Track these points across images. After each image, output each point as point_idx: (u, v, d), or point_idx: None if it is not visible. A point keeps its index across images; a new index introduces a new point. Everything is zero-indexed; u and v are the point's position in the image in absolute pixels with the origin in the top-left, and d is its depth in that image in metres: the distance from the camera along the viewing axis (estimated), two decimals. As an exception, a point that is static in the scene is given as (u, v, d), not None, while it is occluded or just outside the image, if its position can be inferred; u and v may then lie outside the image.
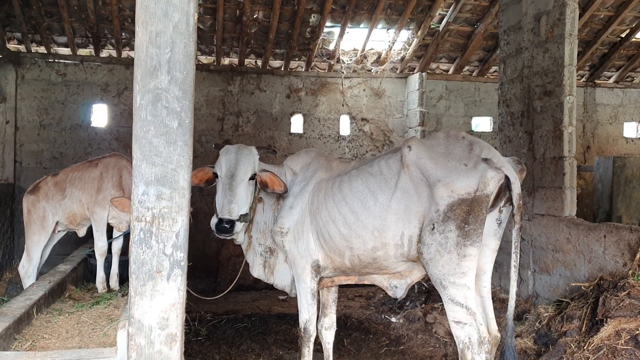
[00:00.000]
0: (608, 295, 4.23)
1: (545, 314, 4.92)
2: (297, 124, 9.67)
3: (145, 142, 2.69)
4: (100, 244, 5.59)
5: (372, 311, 7.43)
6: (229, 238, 4.41)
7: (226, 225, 4.21)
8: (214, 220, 4.31)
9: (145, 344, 2.65)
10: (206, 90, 9.22)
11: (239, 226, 4.34)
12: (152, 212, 2.68)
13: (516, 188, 3.64)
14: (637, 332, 3.90)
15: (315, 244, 4.41)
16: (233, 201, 4.26)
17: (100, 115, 9.09)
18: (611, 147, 10.34)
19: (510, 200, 3.73)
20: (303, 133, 9.59)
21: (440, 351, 5.85)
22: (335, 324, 4.82)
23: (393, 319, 6.86)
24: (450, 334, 6.13)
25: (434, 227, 3.66)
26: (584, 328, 4.34)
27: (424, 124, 9.20)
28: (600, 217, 7.63)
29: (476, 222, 3.58)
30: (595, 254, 5.18)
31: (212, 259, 8.96)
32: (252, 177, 4.44)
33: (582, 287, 4.71)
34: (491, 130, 10.04)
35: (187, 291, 4.78)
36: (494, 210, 3.80)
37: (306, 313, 4.55)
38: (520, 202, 3.67)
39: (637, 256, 4.56)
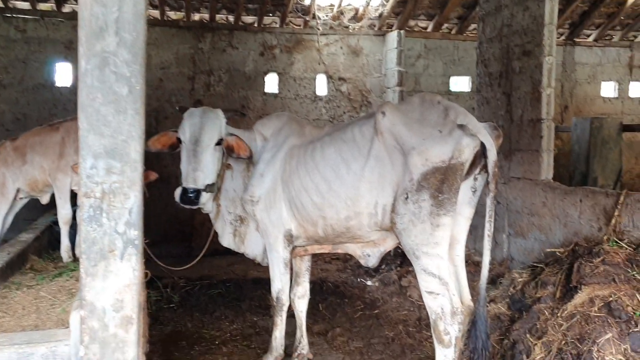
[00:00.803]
0: (583, 262, 4.17)
1: (520, 279, 4.87)
2: (271, 83, 9.39)
3: (92, 111, 2.48)
4: (63, 211, 5.38)
5: (348, 274, 7.37)
6: (194, 208, 4.22)
7: (191, 195, 4.02)
8: (178, 190, 4.12)
9: (98, 327, 2.50)
10: (175, 47, 8.86)
11: (205, 196, 4.15)
12: (101, 187, 2.49)
13: (492, 155, 3.50)
14: (611, 299, 3.85)
15: (287, 213, 4.26)
16: (198, 169, 4.07)
17: (64, 75, 8.71)
18: (589, 107, 10.26)
19: (485, 167, 3.60)
20: (278, 93, 9.32)
21: (415, 315, 5.81)
22: (308, 292, 4.72)
23: (369, 282, 6.81)
24: (425, 298, 6.10)
25: (407, 197, 3.53)
26: (558, 294, 4.29)
27: (402, 83, 8.99)
28: (577, 179, 7.60)
29: (450, 191, 3.46)
30: (571, 218, 5.12)
31: (186, 224, 8.77)
32: (219, 143, 4.23)
33: (557, 253, 4.65)
34: (469, 90, 9.87)
35: (155, 262, 4.65)
36: (468, 178, 3.67)
37: (279, 282, 4.44)
38: (496, 169, 3.54)
39: (612, 221, 4.50)
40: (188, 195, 4.03)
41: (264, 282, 6.90)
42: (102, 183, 2.48)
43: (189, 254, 8.68)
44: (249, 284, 7.01)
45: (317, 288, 6.58)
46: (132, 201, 2.51)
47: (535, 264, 4.98)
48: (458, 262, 3.80)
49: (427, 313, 5.85)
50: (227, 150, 4.29)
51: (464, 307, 3.62)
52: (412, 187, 3.51)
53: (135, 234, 2.52)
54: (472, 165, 3.57)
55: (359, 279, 6.97)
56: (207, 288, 6.82)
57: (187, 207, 4.13)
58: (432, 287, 3.53)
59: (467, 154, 3.45)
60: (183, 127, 4.19)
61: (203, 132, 4.14)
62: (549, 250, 4.79)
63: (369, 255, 4.16)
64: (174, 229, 8.61)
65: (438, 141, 3.48)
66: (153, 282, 6.47)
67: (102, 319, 2.50)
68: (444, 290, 3.50)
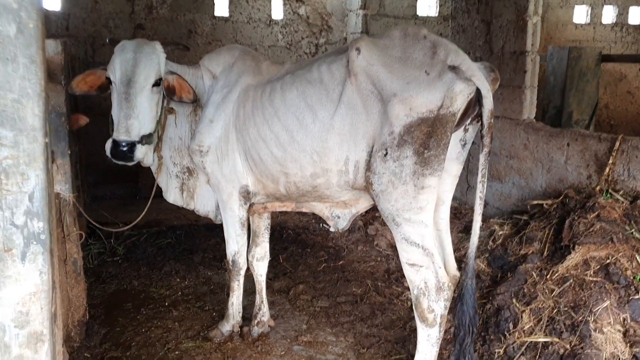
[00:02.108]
0: (575, 218, 3.75)
1: (500, 232, 4.46)
2: (221, 5, 8.42)
3: (-34, 60, 1.76)
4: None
5: (308, 218, 6.86)
6: (130, 164, 3.54)
7: (124, 149, 3.33)
8: (108, 143, 3.42)
9: (-4, 350, 1.90)
10: (111, -37, 7.75)
11: (142, 149, 3.46)
12: (-13, 165, 1.81)
13: (488, 104, 2.94)
14: (608, 261, 3.47)
15: (243, 165, 3.64)
16: (132, 116, 3.35)
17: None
18: (560, 33, 9.72)
19: (478, 116, 3.05)
20: (229, 16, 8.39)
21: (383, 266, 5.41)
22: (268, 253, 4.19)
23: (331, 229, 6.30)
24: (392, 247, 5.68)
25: (386, 153, 2.96)
26: (545, 252, 3.89)
27: (366, 6, 8.17)
28: (550, 113, 7.16)
29: (438, 147, 2.90)
30: (555, 163, 4.68)
31: (131, 161, 8.01)
32: (157, 83, 3.50)
33: (545, 205, 4.22)
34: (437, 14, 9.15)
35: (91, 224, 4.00)
36: (458, 130, 3.12)
37: (234, 244, 3.89)
38: (492, 120, 2.99)
39: (607, 170, 4.07)
40: (120, 150, 3.34)
41: (218, 229, 6.31)
42: (-12, 160, 1.80)
43: (135, 195, 8.05)
44: (201, 230, 6.44)
45: (277, 235, 6.08)
46: (32, 183, 1.85)
47: (516, 216, 4.55)
48: (442, 226, 3.31)
49: (396, 264, 5.50)
50: (168, 92, 3.58)
51: (449, 278, 3.16)
52: (393, 142, 2.93)
53: (40, 226, 1.88)
54: (464, 114, 3.00)
55: (321, 225, 6.48)
56: (155, 237, 6.21)
57: (121, 163, 3.45)
58: (415, 259, 3.03)
59: (460, 102, 2.88)
60: (113, 65, 3.45)
61: (137, 70, 3.40)
62: (535, 202, 4.35)
63: (339, 217, 3.63)
64: (117, 168, 7.82)
65: (425, 86, 2.88)
66: (94, 232, 5.84)
67: (1, 338, 1.89)
68: (428, 262, 3.02)
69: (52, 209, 1.94)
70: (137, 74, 3.39)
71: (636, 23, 10.15)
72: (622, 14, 10.00)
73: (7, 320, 1.89)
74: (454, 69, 2.87)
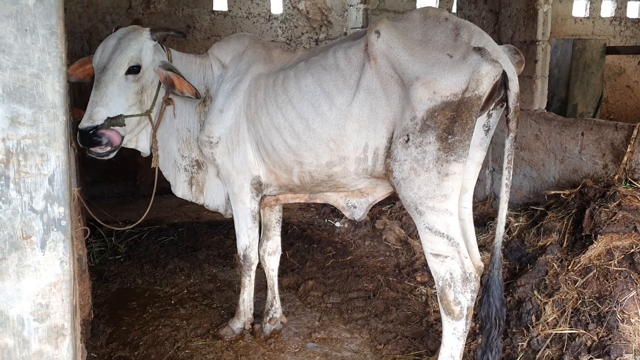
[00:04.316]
0: (596, 207, 3.66)
1: (516, 224, 4.36)
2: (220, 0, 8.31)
3: (-19, 31, 1.63)
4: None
5: (312, 214, 6.77)
6: (104, 154, 3.26)
7: (89, 133, 3.12)
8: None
9: (14, 345, 1.76)
10: (107, -43, 7.61)
11: (110, 133, 3.22)
12: (4, 145, 1.68)
13: (514, 87, 2.84)
14: (633, 250, 3.38)
15: (255, 156, 3.53)
16: (98, 103, 3.17)
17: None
18: (560, 27, 9.67)
19: (503, 101, 2.95)
20: (228, 11, 8.26)
21: (392, 261, 5.30)
22: (280, 247, 4.08)
23: (337, 224, 6.22)
24: (401, 241, 5.58)
25: (408, 139, 2.85)
26: (565, 243, 3.80)
27: (367, 1, 8.07)
28: (555, 106, 7.09)
29: (463, 132, 2.79)
30: (569, 154, 4.60)
31: (129, 160, 7.83)
32: (133, 71, 3.29)
33: (562, 195, 4.13)
34: (437, 6, 9.06)
35: (96, 210, 3.85)
36: (482, 115, 3.02)
37: (246, 238, 3.76)
38: (518, 104, 2.89)
39: (625, 159, 3.98)
40: (85, 135, 3.12)
41: (222, 226, 6.23)
42: (6, 139, 1.68)
43: (134, 194, 7.91)
44: (203, 228, 6.31)
45: (282, 232, 5.95)
46: (52, 164, 1.73)
47: (532, 207, 4.46)
48: (465, 216, 3.20)
49: (406, 258, 5.40)
50: (168, 85, 3.42)
51: (474, 269, 3.05)
52: (415, 127, 2.83)
53: (61, 211, 1.75)
54: (489, 98, 2.90)
55: (326, 220, 6.37)
56: (156, 235, 6.07)
57: (94, 150, 3.20)
58: (439, 249, 2.93)
59: (486, 84, 2.77)
60: (96, 51, 3.31)
61: (113, 56, 3.23)
62: (552, 192, 4.26)
63: (355, 206, 3.51)
64: (116, 166, 7.68)
65: (449, 69, 2.77)
66: (95, 230, 5.70)
67: (19, 333, 1.77)
68: (454, 252, 2.91)
69: (71, 194, 1.82)
70: (111, 60, 3.24)
71: (635, 17, 10.13)
72: (621, 7, 9.98)
73: (26, 314, 1.76)
74: (479, 50, 2.77)
